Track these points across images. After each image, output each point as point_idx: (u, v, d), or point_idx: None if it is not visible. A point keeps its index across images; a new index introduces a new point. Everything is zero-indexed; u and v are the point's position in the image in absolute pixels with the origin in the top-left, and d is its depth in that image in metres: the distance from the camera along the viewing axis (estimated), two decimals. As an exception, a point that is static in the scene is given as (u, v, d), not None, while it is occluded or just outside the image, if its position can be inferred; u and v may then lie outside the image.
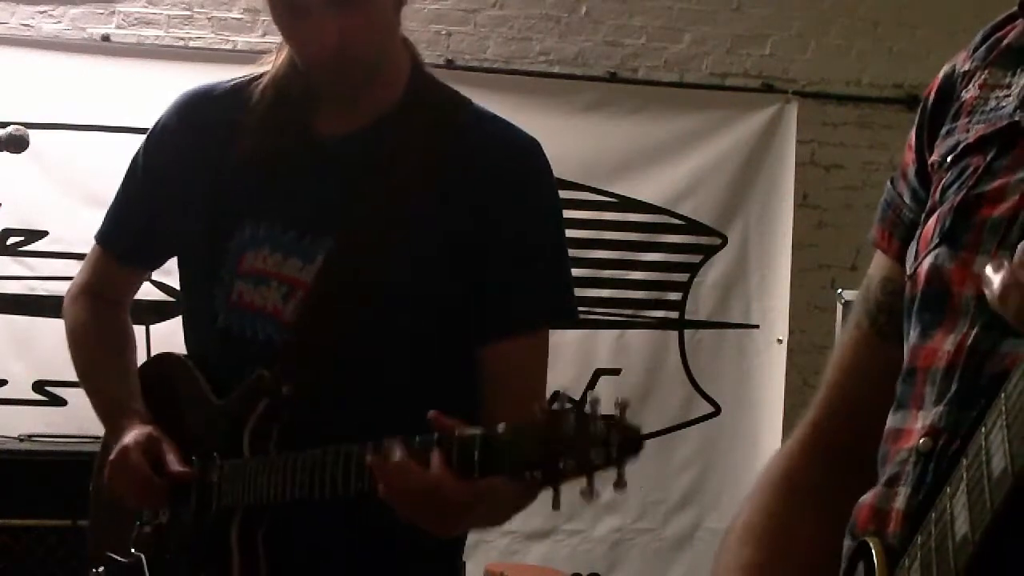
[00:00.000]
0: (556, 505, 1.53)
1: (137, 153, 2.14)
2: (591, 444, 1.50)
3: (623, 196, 5.13)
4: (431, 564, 2.00)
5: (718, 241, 5.21)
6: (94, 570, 2.12)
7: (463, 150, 1.93)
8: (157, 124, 2.11)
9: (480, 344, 1.92)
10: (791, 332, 5.12)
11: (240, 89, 2.02)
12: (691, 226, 5.18)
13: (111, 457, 1.97)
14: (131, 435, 1.97)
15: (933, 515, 0.96)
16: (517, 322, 1.91)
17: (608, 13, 5.27)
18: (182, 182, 2.04)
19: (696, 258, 5.19)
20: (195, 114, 2.05)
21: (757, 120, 5.22)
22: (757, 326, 5.22)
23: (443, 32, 5.11)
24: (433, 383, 1.92)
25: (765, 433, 5.06)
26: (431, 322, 1.92)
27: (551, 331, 1.97)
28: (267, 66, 2.01)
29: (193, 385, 2.02)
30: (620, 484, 1.51)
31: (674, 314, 5.18)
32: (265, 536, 1.88)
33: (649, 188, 5.14)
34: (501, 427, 1.55)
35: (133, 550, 2.05)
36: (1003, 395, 0.86)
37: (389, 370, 1.91)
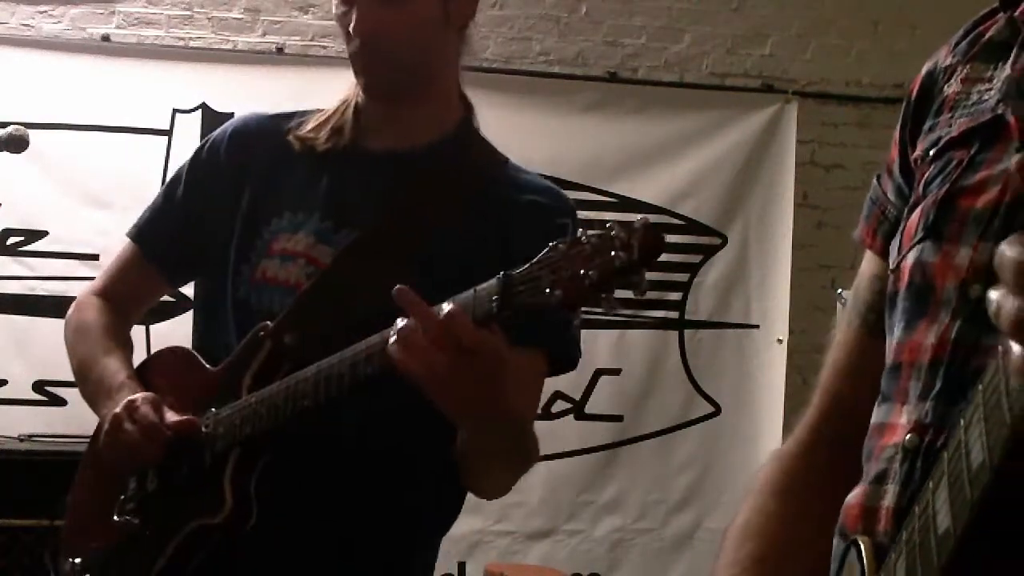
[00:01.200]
0: (611, 305, 1.52)
1: (183, 165, 2.19)
2: (611, 250, 1.50)
3: (623, 196, 5.13)
4: (427, 503, 2.02)
5: (718, 241, 5.21)
6: (70, 561, 2.12)
7: (497, 190, 2.00)
8: (207, 142, 2.18)
9: None
10: (791, 332, 5.12)
11: (290, 119, 2.11)
12: (691, 226, 5.18)
13: (115, 410, 1.98)
14: (136, 395, 2.00)
15: (916, 509, 0.96)
16: (520, 336, 1.90)
17: (608, 13, 5.27)
18: (227, 199, 2.08)
19: (696, 258, 5.19)
20: (247, 136, 2.13)
21: (757, 120, 5.22)
22: (757, 326, 5.22)
23: (443, 32, 5.10)
24: None
25: (765, 433, 5.06)
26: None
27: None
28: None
29: (191, 364, 2.06)
30: (641, 289, 1.51)
31: (674, 314, 5.18)
32: (259, 479, 1.90)
33: (649, 188, 5.14)
34: (519, 268, 1.57)
35: (116, 518, 2.06)
36: (980, 388, 0.86)
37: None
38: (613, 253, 1.49)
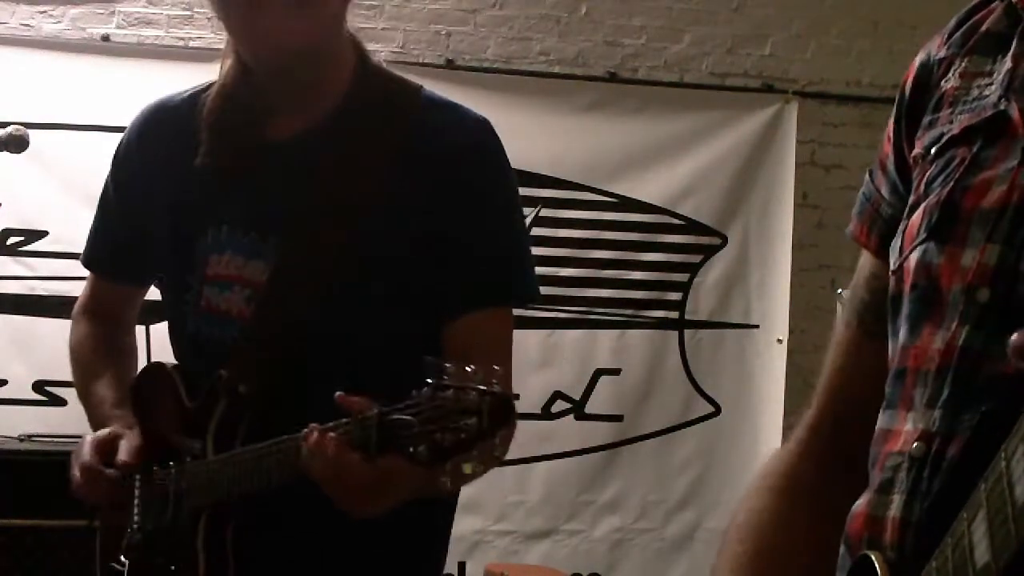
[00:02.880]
0: (453, 483, 1.54)
1: (107, 175, 2.16)
2: (464, 414, 1.51)
3: (623, 196, 5.13)
4: (405, 557, 2.00)
5: (718, 241, 5.20)
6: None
7: (414, 138, 1.92)
8: (121, 142, 2.14)
9: (444, 322, 1.92)
10: (791, 332, 5.12)
11: (196, 97, 2.04)
12: (691, 226, 5.18)
13: (72, 452, 2.00)
14: (100, 432, 2.01)
15: (949, 540, 0.93)
16: (477, 299, 1.92)
17: (608, 13, 5.27)
18: (148, 195, 2.06)
19: (696, 258, 5.19)
20: (154, 127, 2.08)
21: (757, 120, 5.21)
22: (757, 326, 5.21)
23: (443, 32, 5.10)
24: (392, 372, 1.86)
25: (765, 433, 5.06)
26: (387, 311, 1.92)
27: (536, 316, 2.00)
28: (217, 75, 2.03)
29: (174, 393, 2.03)
30: (495, 454, 1.52)
31: (674, 314, 5.18)
32: (233, 535, 1.89)
33: (649, 188, 5.14)
34: (396, 407, 1.58)
35: (123, 557, 2.06)
36: None
37: (345, 362, 1.91)
38: (465, 420, 1.51)
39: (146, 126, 2.10)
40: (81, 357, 2.18)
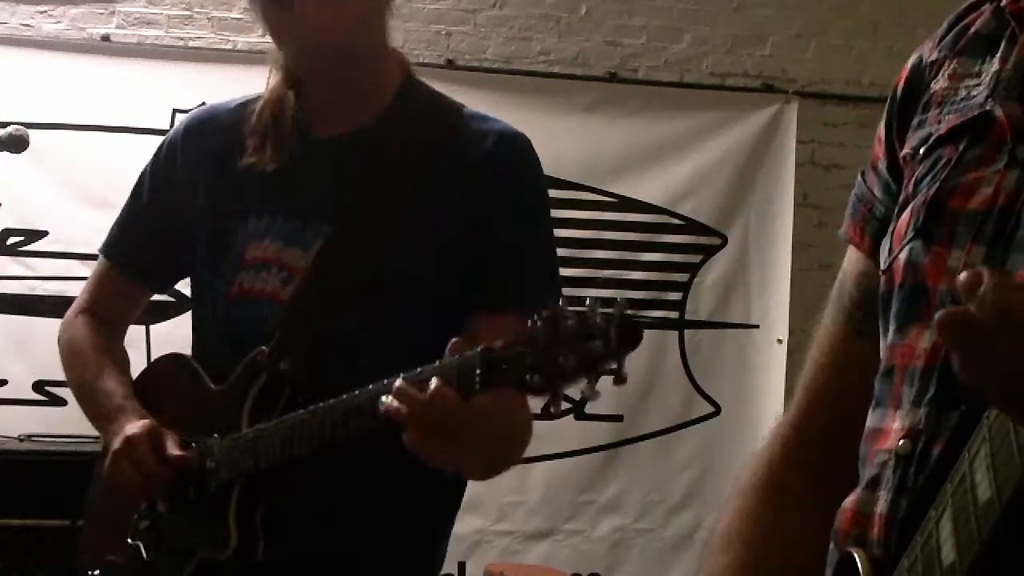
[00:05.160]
0: (556, 408, 1.53)
1: (144, 170, 2.18)
2: (589, 338, 1.49)
3: (623, 196, 5.13)
4: (425, 531, 2.02)
5: (718, 241, 5.20)
6: (90, 573, 2.12)
7: (455, 146, 1.97)
8: (164, 142, 2.17)
9: (469, 314, 1.94)
10: (791, 332, 5.12)
11: (244, 106, 2.08)
12: (691, 226, 5.18)
13: (115, 447, 1.99)
14: (135, 426, 1.99)
15: (919, 539, 0.95)
16: (504, 301, 1.94)
17: (608, 13, 5.27)
18: (187, 199, 2.08)
19: (696, 258, 5.19)
20: (201, 132, 2.11)
21: (757, 120, 5.21)
22: (757, 326, 5.22)
23: (443, 32, 5.10)
24: (425, 360, 1.92)
25: (765, 433, 5.05)
26: (422, 303, 1.95)
27: None
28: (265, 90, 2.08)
29: (193, 378, 2.05)
30: (620, 379, 1.49)
31: (674, 314, 5.18)
32: (264, 510, 1.90)
33: (649, 188, 5.14)
34: (500, 342, 1.57)
35: (130, 540, 2.06)
36: (986, 421, 0.86)
37: (383, 347, 1.92)
38: (592, 341, 1.49)
39: (193, 131, 2.13)
40: (81, 352, 2.17)
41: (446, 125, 2.00)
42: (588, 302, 1.51)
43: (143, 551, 2.05)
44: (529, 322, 1.54)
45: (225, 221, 2.03)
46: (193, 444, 1.98)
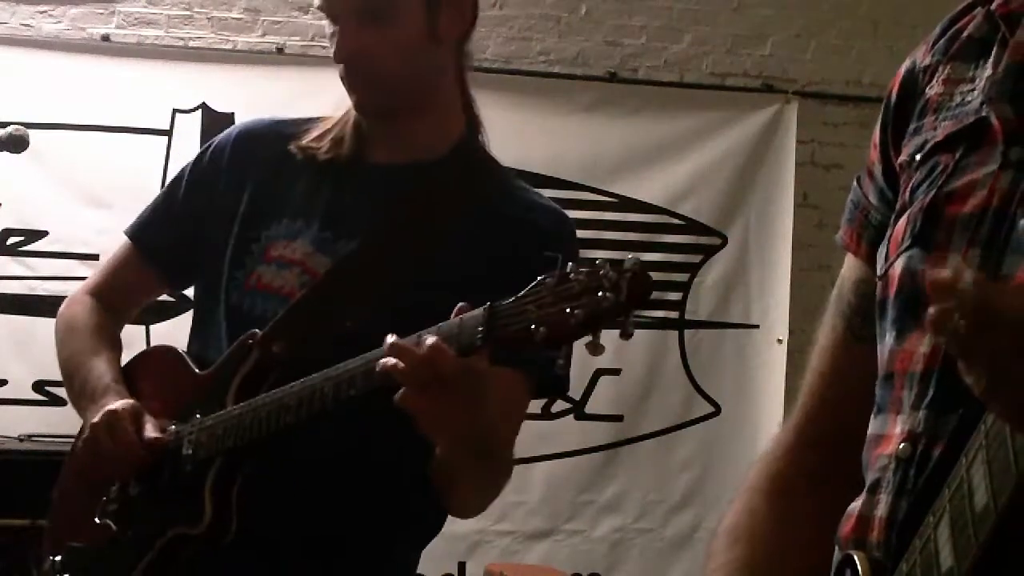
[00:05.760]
0: (567, 354, 1.55)
1: (185, 167, 2.18)
2: (599, 290, 1.48)
3: (623, 196, 5.13)
4: (409, 521, 2.01)
5: (718, 241, 5.20)
6: (50, 559, 2.11)
7: (496, 204, 1.99)
8: (213, 143, 2.17)
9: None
10: (791, 332, 5.12)
11: (301, 124, 2.10)
12: (691, 226, 5.18)
13: (95, 420, 1.98)
14: (118, 403, 1.99)
15: (918, 543, 0.95)
16: (506, 356, 1.87)
17: (608, 13, 5.27)
18: (223, 204, 2.08)
19: (696, 258, 5.19)
20: (252, 142, 2.12)
21: (757, 120, 5.21)
22: (757, 326, 5.22)
23: (443, 32, 5.10)
24: None
25: (765, 433, 5.06)
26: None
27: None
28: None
29: (180, 365, 2.05)
30: (626, 333, 1.49)
31: (674, 314, 5.18)
32: (240, 488, 1.89)
33: (649, 188, 5.14)
34: (507, 299, 1.56)
35: (97, 520, 2.05)
36: (983, 428, 0.86)
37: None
38: (601, 293, 1.48)
39: (244, 138, 2.13)
40: (77, 330, 2.17)
41: (493, 185, 2.02)
42: (598, 261, 1.50)
43: (112, 528, 2.04)
44: (540, 278, 1.53)
45: (258, 221, 2.03)
46: (173, 425, 1.98)
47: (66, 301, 2.23)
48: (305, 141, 2.05)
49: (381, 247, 1.97)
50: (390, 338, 1.65)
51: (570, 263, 1.53)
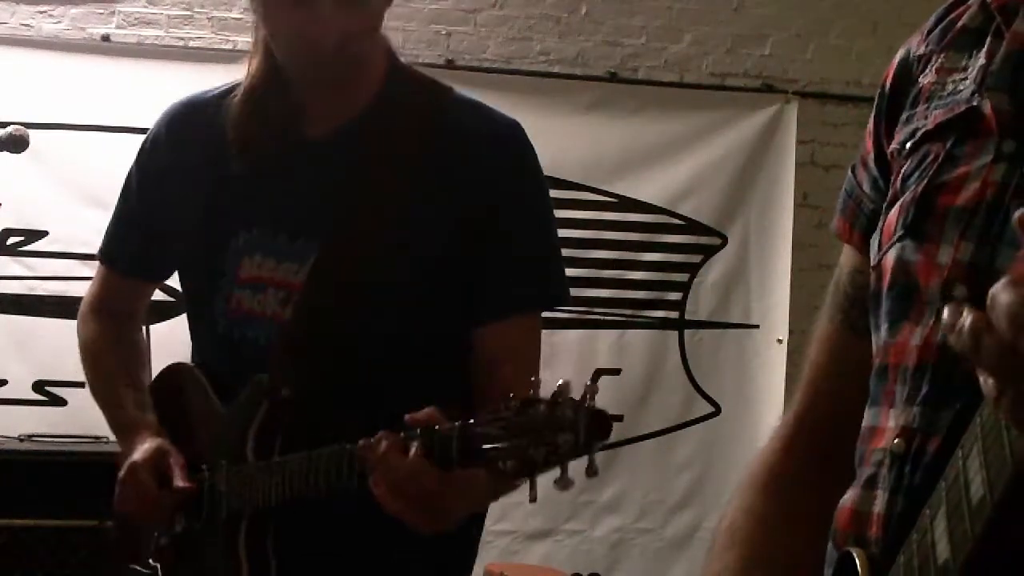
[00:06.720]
0: (532, 497, 1.52)
1: (131, 169, 2.17)
2: (559, 430, 1.48)
3: (623, 196, 5.13)
4: (440, 562, 1.99)
5: (718, 241, 5.20)
6: None
7: (447, 140, 1.93)
8: (147, 139, 2.13)
9: (474, 326, 1.92)
10: (791, 332, 5.12)
11: (225, 96, 2.03)
12: (691, 226, 5.18)
13: (120, 475, 2.00)
14: (139, 451, 2.00)
15: (915, 536, 0.95)
16: (509, 305, 1.92)
17: (608, 13, 5.27)
18: (175, 194, 2.06)
19: (696, 258, 5.19)
20: (183, 126, 2.07)
21: (757, 120, 5.22)
22: (757, 326, 5.22)
23: (443, 32, 5.10)
24: (431, 374, 1.92)
25: (765, 433, 5.00)
26: (424, 313, 1.92)
27: (556, 314, 1.98)
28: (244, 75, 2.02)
29: (202, 394, 2.04)
30: (591, 471, 1.48)
31: (674, 314, 5.18)
32: (274, 540, 1.89)
33: (649, 188, 5.14)
34: (477, 419, 1.55)
35: (151, 560, 2.07)
36: (979, 420, 0.85)
37: (386, 365, 1.91)
38: (559, 436, 1.47)
39: (175, 125, 2.09)
40: (93, 357, 2.19)
41: (435, 115, 1.94)
42: (560, 384, 1.49)
43: (159, 573, 2.06)
44: (501, 405, 1.53)
45: (215, 229, 2.00)
46: (204, 467, 1.98)
47: (77, 323, 2.23)
48: (236, 121, 1.97)
49: (341, 238, 1.91)
50: (382, 443, 1.64)
51: (535, 377, 1.53)
